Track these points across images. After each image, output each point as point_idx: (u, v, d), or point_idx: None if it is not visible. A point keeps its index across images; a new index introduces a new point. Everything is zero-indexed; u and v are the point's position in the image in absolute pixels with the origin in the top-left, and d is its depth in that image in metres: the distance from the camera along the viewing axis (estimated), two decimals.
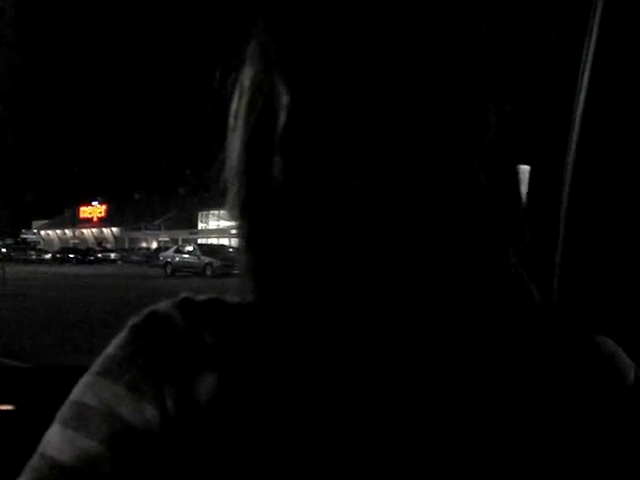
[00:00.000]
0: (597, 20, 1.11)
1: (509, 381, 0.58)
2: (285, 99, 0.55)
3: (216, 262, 17.77)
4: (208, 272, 18.10)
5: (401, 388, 0.57)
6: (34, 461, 0.56)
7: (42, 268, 22.58)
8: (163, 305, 0.62)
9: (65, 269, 22.65)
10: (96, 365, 0.59)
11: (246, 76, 0.60)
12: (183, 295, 0.63)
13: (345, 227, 0.53)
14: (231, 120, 0.61)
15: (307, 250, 0.55)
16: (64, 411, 0.58)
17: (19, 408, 1.22)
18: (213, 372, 0.57)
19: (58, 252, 29.14)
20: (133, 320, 0.61)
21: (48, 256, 28.29)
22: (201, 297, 0.63)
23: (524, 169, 0.63)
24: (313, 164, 0.54)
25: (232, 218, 0.61)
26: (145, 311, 0.62)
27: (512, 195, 0.59)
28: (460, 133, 0.55)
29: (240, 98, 0.60)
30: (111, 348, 0.60)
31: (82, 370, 0.61)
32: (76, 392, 0.59)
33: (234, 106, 0.61)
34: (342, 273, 0.55)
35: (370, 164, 0.52)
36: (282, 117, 0.55)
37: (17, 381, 1.36)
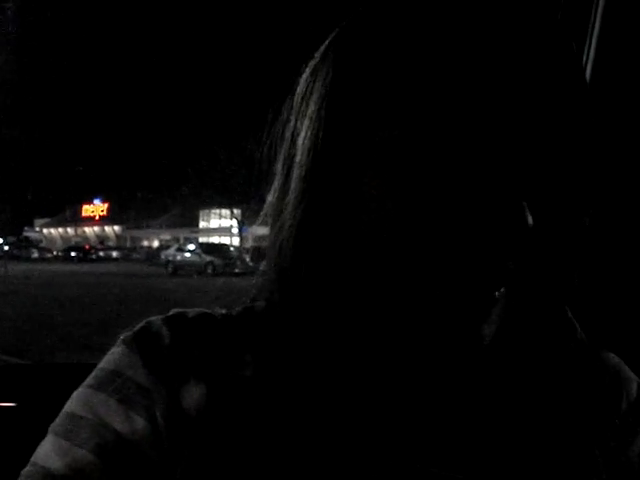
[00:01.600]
0: (598, 19, 1.11)
1: (510, 391, 0.58)
2: (384, 112, 0.53)
3: (217, 261, 17.76)
4: (209, 271, 18.07)
5: (411, 414, 0.57)
6: (26, 470, 0.56)
7: (44, 266, 22.57)
8: (153, 320, 0.62)
9: (67, 267, 22.64)
10: (89, 379, 0.61)
11: (324, 75, 0.58)
12: (174, 310, 0.64)
13: (424, 253, 0.51)
14: (305, 122, 0.59)
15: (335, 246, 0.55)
16: (57, 422, 0.59)
17: (20, 405, 1.22)
18: (200, 383, 0.58)
19: (61, 251, 29.15)
20: (125, 335, 0.62)
21: (50, 255, 28.28)
22: (191, 311, 0.64)
23: None
24: (417, 187, 0.52)
25: (274, 210, 0.61)
26: (136, 326, 0.63)
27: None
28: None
29: (310, 96, 0.59)
30: (103, 362, 0.61)
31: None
32: (69, 405, 0.60)
33: (310, 103, 0.59)
34: (383, 299, 0.54)
35: (467, 186, 0.50)
36: (386, 132, 0.53)
37: (18, 378, 1.36)
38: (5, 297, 11.98)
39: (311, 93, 0.59)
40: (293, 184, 0.59)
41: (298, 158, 0.59)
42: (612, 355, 0.66)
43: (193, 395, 0.58)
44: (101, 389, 0.59)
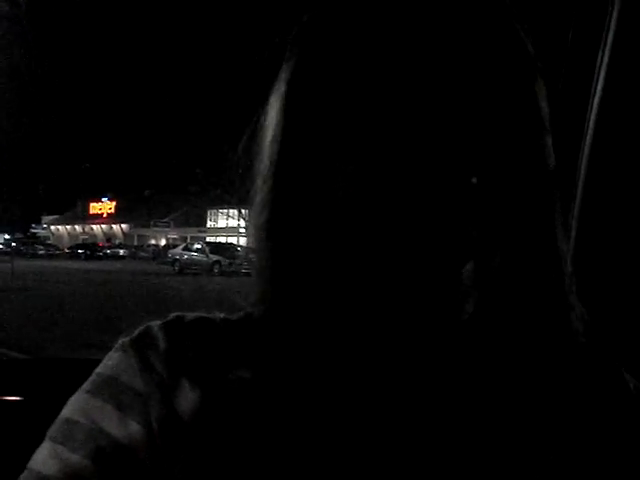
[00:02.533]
0: (612, 28, 1.11)
1: (509, 397, 0.57)
2: (332, 105, 0.54)
3: (224, 260, 17.79)
4: (216, 270, 18.12)
5: (405, 417, 0.56)
6: (23, 476, 0.56)
7: (51, 263, 22.65)
8: (151, 325, 0.62)
9: (74, 264, 22.72)
10: (86, 384, 0.61)
11: (288, 70, 0.59)
12: (173, 314, 0.64)
13: (383, 234, 0.52)
14: (268, 118, 0.61)
15: (324, 252, 0.55)
16: (53, 428, 0.59)
17: (26, 399, 1.23)
18: (195, 388, 0.58)
19: (68, 248, 29.28)
20: (122, 340, 0.62)
21: (57, 252, 28.40)
22: (189, 316, 0.64)
23: None
24: (363, 169, 0.53)
25: (258, 212, 0.61)
26: (135, 332, 0.63)
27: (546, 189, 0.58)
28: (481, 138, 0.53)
29: (277, 91, 0.60)
30: (100, 367, 0.61)
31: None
32: (65, 410, 0.60)
33: (274, 98, 0.61)
34: (357, 292, 0.54)
35: (361, 151, 0.52)
36: (331, 118, 0.54)
37: (25, 373, 1.37)
38: (12, 294, 12.03)
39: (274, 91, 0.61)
40: (260, 181, 0.60)
41: (264, 155, 0.60)
42: (632, 379, 0.65)
43: (188, 400, 0.58)
44: (97, 394, 0.59)
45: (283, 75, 0.60)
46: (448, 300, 0.54)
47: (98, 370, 0.61)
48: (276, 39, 0.61)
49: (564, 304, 0.58)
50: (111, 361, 0.61)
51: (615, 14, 1.10)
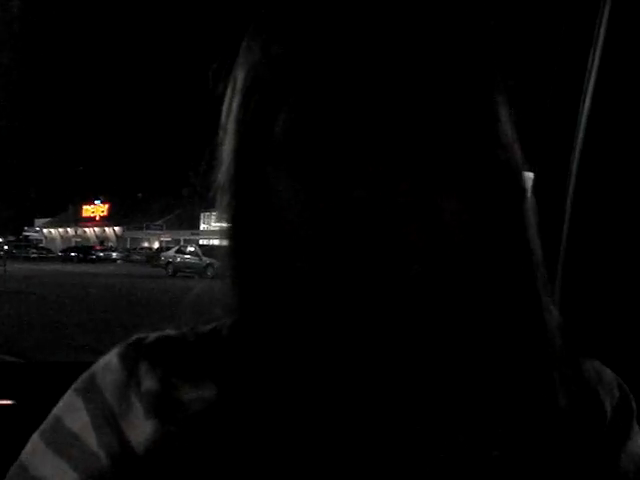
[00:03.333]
0: (603, 27, 1.11)
1: (498, 399, 0.56)
2: (287, 103, 0.53)
3: (217, 263, 17.73)
4: (209, 273, 17.98)
5: (393, 428, 0.55)
6: (13, 472, 0.58)
7: (44, 266, 22.58)
8: (107, 357, 0.62)
9: (67, 267, 22.65)
10: (44, 423, 0.61)
11: (240, 75, 0.57)
12: (134, 336, 0.63)
13: (338, 242, 0.51)
14: (223, 120, 0.59)
15: (294, 265, 0.54)
16: (46, 426, 0.60)
17: (18, 403, 1.22)
18: (149, 418, 0.57)
19: (60, 251, 29.19)
20: (76, 381, 0.62)
21: (50, 255, 28.30)
22: (151, 337, 0.63)
23: (528, 176, 0.62)
24: (311, 174, 0.52)
25: (222, 221, 0.60)
26: (91, 368, 0.62)
27: (519, 203, 0.57)
28: (471, 140, 0.53)
29: (232, 98, 0.58)
30: (56, 406, 0.61)
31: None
32: (58, 406, 0.61)
33: (225, 106, 0.59)
34: (326, 301, 0.53)
35: (374, 176, 0.50)
36: (281, 123, 0.53)
37: (16, 376, 1.36)
38: (4, 296, 11.98)
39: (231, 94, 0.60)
40: (220, 191, 0.60)
41: (223, 162, 0.59)
42: (591, 362, 0.65)
43: (142, 430, 0.57)
44: (43, 437, 0.59)
45: (236, 83, 0.58)
46: (413, 304, 0.53)
47: (53, 410, 0.61)
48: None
49: (537, 306, 0.58)
50: (62, 402, 0.61)
51: (606, 14, 1.10)
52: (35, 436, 0.60)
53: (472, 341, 0.56)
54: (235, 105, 0.57)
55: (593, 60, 1.12)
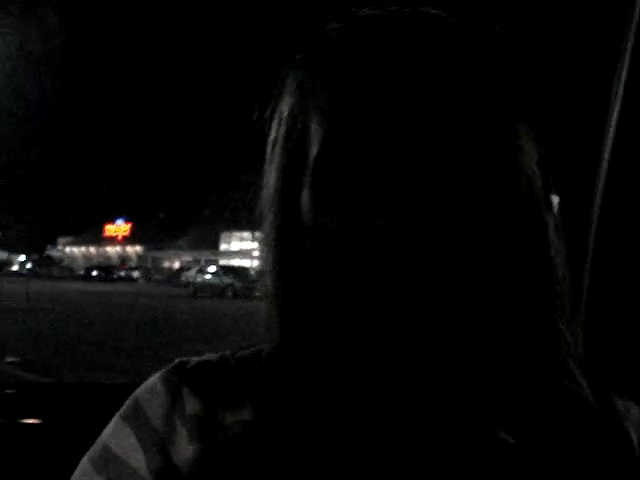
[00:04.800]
0: (628, 53, 1.11)
1: (509, 426, 0.56)
2: (318, 134, 0.56)
3: (237, 283, 17.82)
4: (229, 293, 18.14)
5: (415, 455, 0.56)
6: None
7: (66, 285, 22.75)
8: (151, 380, 0.64)
9: (88, 286, 22.81)
10: (91, 450, 0.62)
11: (284, 107, 0.62)
12: (177, 360, 0.65)
13: (366, 270, 0.53)
14: (269, 149, 0.63)
15: (332, 288, 0.56)
16: (95, 453, 0.62)
17: (45, 422, 1.23)
18: (192, 440, 0.59)
19: (82, 270, 29.42)
20: (122, 408, 0.63)
21: (72, 274, 28.51)
22: (193, 361, 0.64)
23: (554, 200, 0.63)
24: (339, 200, 0.55)
25: (263, 243, 0.63)
26: (134, 392, 0.64)
27: (540, 230, 0.59)
28: (494, 175, 0.55)
29: (278, 127, 0.62)
30: (103, 434, 0.63)
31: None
32: (106, 432, 0.63)
33: (272, 135, 0.63)
34: (361, 320, 0.55)
35: (393, 205, 0.52)
36: (314, 151, 0.57)
37: (42, 396, 1.38)
38: (27, 315, 12.07)
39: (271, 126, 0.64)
40: (266, 206, 0.63)
41: (270, 181, 0.63)
42: (622, 399, 0.65)
43: (186, 452, 0.58)
44: (98, 470, 0.60)
45: (283, 112, 0.62)
46: (452, 333, 0.55)
47: (100, 438, 0.62)
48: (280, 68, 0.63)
49: (552, 330, 0.59)
50: (109, 430, 0.62)
51: (631, 39, 1.10)
52: (85, 463, 0.62)
53: (488, 362, 0.57)
54: (281, 134, 0.62)
55: (618, 82, 1.12)
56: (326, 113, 0.56)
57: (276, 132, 0.62)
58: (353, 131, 0.55)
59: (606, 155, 1.13)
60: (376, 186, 0.53)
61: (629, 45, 1.10)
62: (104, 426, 0.63)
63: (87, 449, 0.63)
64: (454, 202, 0.54)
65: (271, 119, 0.63)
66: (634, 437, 0.61)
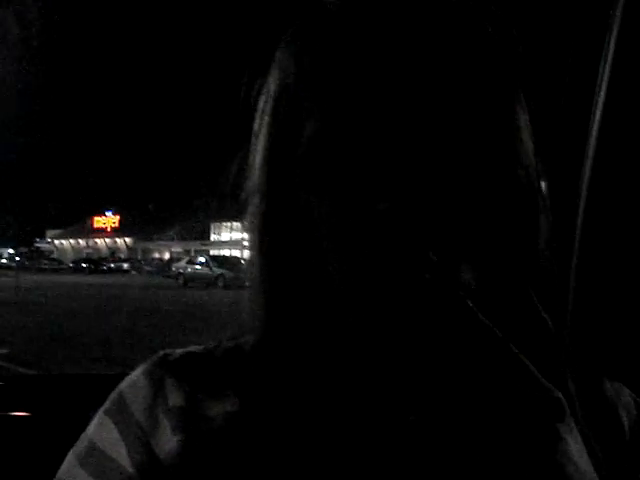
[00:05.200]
0: (614, 34, 1.11)
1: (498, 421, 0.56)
2: (314, 113, 0.54)
3: (228, 274, 17.80)
4: (220, 284, 18.12)
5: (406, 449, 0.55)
6: None
7: (55, 277, 22.67)
8: (133, 374, 0.63)
9: (78, 278, 22.73)
10: (75, 445, 0.62)
11: (273, 83, 0.59)
12: (160, 352, 0.64)
13: (364, 253, 0.52)
14: (255, 127, 0.61)
15: (321, 277, 0.55)
16: (80, 448, 0.61)
17: (33, 415, 1.23)
18: (176, 432, 0.58)
19: (72, 262, 29.32)
20: (105, 404, 0.63)
21: (61, 266, 28.43)
22: (176, 353, 0.64)
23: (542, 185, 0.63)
24: (336, 184, 0.53)
25: (250, 230, 0.61)
26: (116, 388, 0.63)
27: (534, 220, 0.58)
28: (492, 154, 0.54)
29: (265, 105, 0.59)
30: (88, 429, 0.62)
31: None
32: (90, 427, 0.62)
33: (259, 113, 0.60)
34: (354, 308, 0.54)
35: (394, 188, 0.51)
36: (308, 131, 0.54)
37: (31, 388, 1.37)
38: (17, 307, 12.03)
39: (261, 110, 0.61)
40: (250, 198, 0.60)
41: (253, 174, 0.60)
42: (611, 382, 0.65)
43: (169, 444, 0.58)
44: (82, 464, 0.60)
45: (271, 87, 0.59)
46: (427, 320, 0.53)
47: (85, 433, 0.62)
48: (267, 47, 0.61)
49: (536, 320, 0.58)
50: (93, 426, 0.62)
51: (617, 23, 1.11)
52: (71, 457, 0.61)
53: (475, 346, 0.56)
54: (267, 113, 0.59)
55: (604, 66, 1.12)
56: (325, 89, 0.54)
57: (263, 110, 0.60)
58: (354, 108, 0.52)
59: (593, 138, 1.13)
60: (377, 168, 0.51)
61: (615, 26, 1.10)
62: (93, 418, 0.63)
63: (76, 441, 0.63)
64: (454, 189, 0.52)
65: (258, 95, 0.60)
66: (625, 423, 0.62)
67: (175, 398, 0.60)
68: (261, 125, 0.60)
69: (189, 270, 20.82)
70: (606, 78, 1.11)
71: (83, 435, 0.62)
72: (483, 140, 0.54)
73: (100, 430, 0.61)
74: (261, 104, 0.60)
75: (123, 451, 0.59)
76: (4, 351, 6.78)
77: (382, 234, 0.51)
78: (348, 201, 0.52)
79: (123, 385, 0.62)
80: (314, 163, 0.54)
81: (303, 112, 0.55)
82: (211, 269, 19.60)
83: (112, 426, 0.60)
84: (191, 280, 19.84)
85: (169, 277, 21.42)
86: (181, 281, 20.00)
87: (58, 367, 6.53)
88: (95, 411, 0.63)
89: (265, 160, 0.59)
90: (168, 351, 0.64)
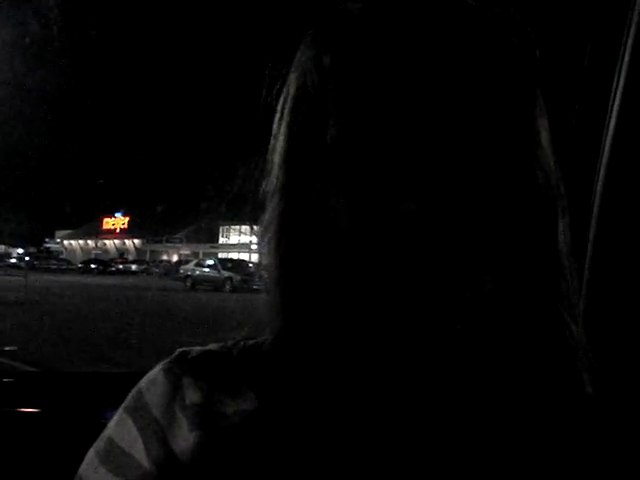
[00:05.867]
0: (629, 46, 1.11)
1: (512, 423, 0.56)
2: (337, 113, 0.54)
3: (236, 277, 17.80)
4: (227, 287, 18.13)
5: (421, 438, 0.56)
6: None
7: (64, 278, 22.74)
8: (154, 371, 0.64)
9: (87, 279, 22.80)
10: (97, 442, 0.63)
11: (293, 84, 0.59)
12: (178, 350, 0.65)
13: (386, 257, 0.52)
14: (274, 128, 0.61)
15: (340, 277, 0.55)
16: (100, 445, 0.62)
17: (43, 411, 1.23)
18: (193, 430, 0.59)
19: (81, 263, 29.43)
20: (125, 401, 0.64)
21: (70, 266, 28.52)
22: (194, 352, 0.64)
23: None
24: (359, 185, 0.53)
25: (266, 232, 0.61)
26: (136, 386, 0.64)
27: (553, 223, 0.58)
28: (514, 158, 0.54)
29: (285, 105, 0.60)
30: (108, 427, 0.64)
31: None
32: (110, 425, 0.63)
33: (278, 113, 0.61)
34: (374, 309, 0.54)
35: (422, 189, 0.50)
36: (332, 132, 0.54)
37: (40, 385, 1.38)
38: (25, 307, 12.07)
39: (281, 109, 0.61)
40: (269, 197, 0.61)
41: (272, 174, 0.61)
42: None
43: (186, 441, 0.58)
44: (102, 461, 0.61)
45: (289, 90, 0.60)
46: (451, 324, 0.54)
47: (106, 431, 0.63)
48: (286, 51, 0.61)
49: (558, 322, 0.58)
50: (113, 423, 0.63)
51: (633, 30, 1.10)
52: (91, 453, 0.62)
53: (493, 347, 0.56)
54: (287, 112, 0.59)
55: (621, 68, 1.12)
56: (347, 90, 0.54)
57: (282, 110, 0.60)
58: (377, 110, 0.52)
59: (607, 142, 1.13)
60: (402, 168, 0.51)
61: (631, 32, 1.10)
62: (101, 414, 0.63)
63: (85, 437, 0.63)
64: (477, 189, 0.52)
65: (278, 96, 0.61)
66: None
67: (192, 395, 0.60)
68: (280, 126, 0.60)
69: (197, 273, 20.82)
70: (622, 84, 1.11)
71: (104, 432, 0.63)
72: (504, 143, 0.54)
73: (119, 427, 0.62)
74: (280, 105, 0.61)
75: (141, 448, 0.59)
76: (13, 348, 6.81)
77: (406, 236, 0.51)
78: (373, 201, 0.52)
79: (142, 382, 0.64)
80: (339, 163, 0.54)
81: (325, 112, 0.55)
82: (219, 272, 19.61)
83: (130, 423, 0.61)
84: (199, 283, 19.84)
85: (177, 279, 21.43)
86: (189, 284, 20.01)
87: (65, 366, 6.55)
88: (102, 408, 0.63)
89: (285, 160, 0.59)
90: (186, 349, 0.65)
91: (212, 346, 0.65)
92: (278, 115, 0.61)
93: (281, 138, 0.60)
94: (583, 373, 0.59)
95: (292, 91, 0.59)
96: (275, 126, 0.61)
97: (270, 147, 0.61)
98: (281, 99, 0.61)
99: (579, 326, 0.59)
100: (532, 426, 0.57)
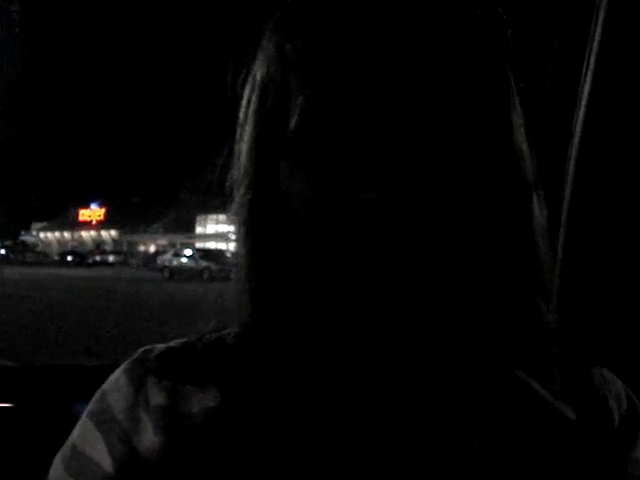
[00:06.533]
0: (599, 30, 1.11)
1: (491, 407, 0.57)
2: (299, 100, 0.53)
3: (214, 266, 17.73)
4: (205, 276, 18.05)
5: (394, 440, 0.55)
6: None
7: (41, 270, 22.52)
8: (115, 375, 0.63)
9: (63, 271, 22.60)
10: (62, 449, 0.62)
11: (259, 71, 0.58)
12: (140, 351, 0.63)
13: (348, 248, 0.51)
14: (241, 116, 0.60)
15: (308, 266, 0.54)
16: (65, 452, 0.61)
17: (17, 406, 1.22)
18: (157, 431, 0.58)
19: (57, 255, 29.18)
20: (89, 406, 0.63)
21: (46, 259, 28.25)
22: (157, 350, 0.63)
23: None
24: (321, 172, 0.52)
25: (235, 222, 0.60)
26: (98, 392, 0.63)
27: (527, 209, 0.58)
28: (483, 143, 0.53)
29: (251, 94, 0.59)
30: (72, 434, 0.63)
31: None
32: (74, 430, 0.62)
33: (244, 102, 0.60)
34: (340, 299, 0.53)
35: (382, 178, 0.50)
36: (294, 119, 0.53)
37: (15, 380, 1.37)
38: (1, 300, 11.94)
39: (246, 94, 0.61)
40: (236, 187, 0.60)
41: (239, 162, 0.60)
42: (600, 370, 0.65)
43: (150, 442, 0.58)
44: (66, 467, 0.60)
45: (256, 76, 0.59)
46: (428, 316, 0.54)
47: (70, 439, 0.62)
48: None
49: (530, 305, 0.58)
50: (77, 430, 0.62)
51: (601, 18, 1.11)
52: (58, 459, 0.62)
53: (468, 336, 0.56)
54: (253, 100, 0.58)
55: (589, 57, 1.12)
56: (309, 78, 0.53)
57: (249, 98, 0.60)
58: (338, 97, 0.52)
59: (578, 124, 1.13)
60: (363, 157, 0.51)
61: (600, 18, 1.10)
62: (75, 408, 0.63)
63: (59, 432, 0.63)
64: (444, 177, 0.51)
65: (244, 85, 0.60)
66: (615, 412, 0.62)
67: (156, 397, 0.59)
68: (247, 114, 0.59)
69: (175, 263, 20.73)
70: (592, 64, 1.11)
71: (68, 439, 0.62)
72: (474, 126, 0.53)
73: (82, 433, 0.61)
74: (247, 93, 0.60)
75: (105, 453, 0.58)
76: None
77: (368, 225, 0.50)
78: (334, 190, 0.51)
79: (105, 385, 0.62)
80: (301, 151, 0.53)
81: (289, 100, 0.54)
82: (197, 262, 19.53)
83: (94, 428, 0.60)
84: (177, 273, 19.75)
85: (155, 270, 21.31)
86: (167, 274, 19.91)
87: (43, 360, 6.49)
88: (76, 401, 0.62)
89: (252, 149, 0.58)
90: (148, 347, 0.63)
91: (175, 342, 0.64)
92: (244, 104, 0.60)
93: (248, 127, 0.59)
94: (554, 355, 0.59)
95: (258, 80, 0.58)
96: (242, 115, 0.60)
97: (237, 135, 0.61)
98: (247, 87, 0.60)
99: (551, 307, 0.60)
100: (504, 411, 0.57)
